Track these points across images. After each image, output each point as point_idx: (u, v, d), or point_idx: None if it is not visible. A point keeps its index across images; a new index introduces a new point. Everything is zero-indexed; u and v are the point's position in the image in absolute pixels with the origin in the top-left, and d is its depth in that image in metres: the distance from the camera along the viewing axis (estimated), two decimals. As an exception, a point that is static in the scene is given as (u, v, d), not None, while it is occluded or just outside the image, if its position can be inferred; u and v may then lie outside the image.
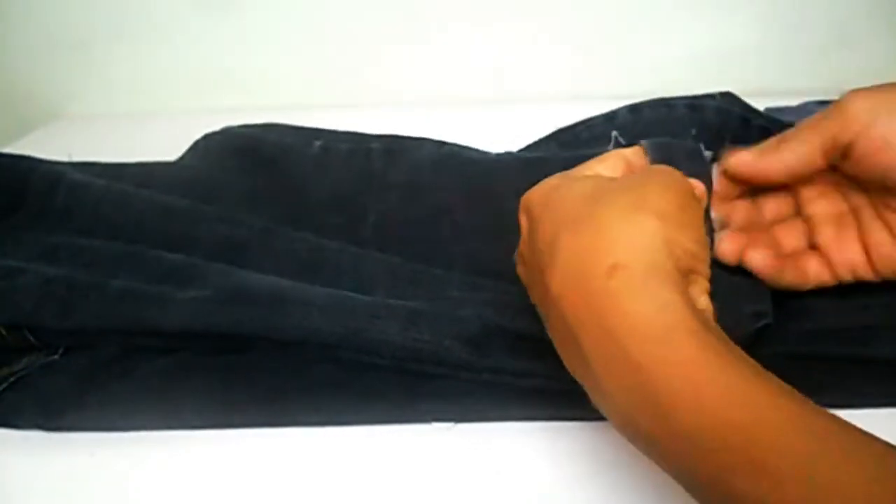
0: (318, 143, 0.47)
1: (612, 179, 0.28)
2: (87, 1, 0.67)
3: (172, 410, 0.33)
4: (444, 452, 0.31)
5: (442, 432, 0.32)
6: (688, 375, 0.20)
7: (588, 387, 0.24)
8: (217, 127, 0.51)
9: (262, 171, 0.46)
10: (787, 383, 0.32)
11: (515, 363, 0.32)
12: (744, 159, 0.32)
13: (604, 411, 0.24)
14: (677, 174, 0.27)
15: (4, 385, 0.34)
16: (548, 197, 0.27)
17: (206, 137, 0.51)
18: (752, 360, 0.21)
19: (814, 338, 0.33)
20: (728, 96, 0.44)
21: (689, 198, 0.26)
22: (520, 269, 0.30)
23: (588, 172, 0.30)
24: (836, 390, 0.31)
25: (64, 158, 0.49)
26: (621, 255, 0.22)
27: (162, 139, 0.52)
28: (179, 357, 0.35)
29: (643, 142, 0.32)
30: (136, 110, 0.71)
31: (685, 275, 0.24)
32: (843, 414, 0.30)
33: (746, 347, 0.22)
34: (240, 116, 0.52)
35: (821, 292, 0.33)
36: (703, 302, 0.25)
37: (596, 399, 0.24)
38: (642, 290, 0.22)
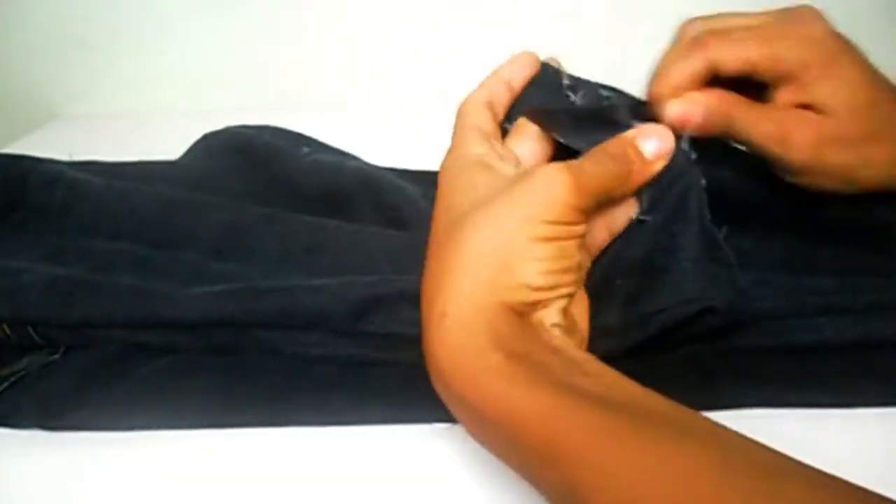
0: (305, 149, 0.48)
1: (493, 183, 0.27)
2: (86, 1, 0.67)
3: (172, 410, 0.33)
4: (444, 453, 0.31)
5: (442, 432, 0.32)
6: (499, 409, 0.23)
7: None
8: (217, 127, 0.51)
9: (259, 170, 0.46)
10: (790, 381, 0.32)
11: None
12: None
13: None
14: (553, 187, 0.25)
15: (5, 385, 0.34)
16: (449, 184, 0.28)
17: (206, 137, 0.51)
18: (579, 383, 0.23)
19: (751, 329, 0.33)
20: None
21: (549, 222, 0.25)
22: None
23: (493, 160, 0.28)
24: (837, 390, 0.32)
25: (64, 158, 0.49)
26: (448, 304, 0.24)
27: (162, 139, 0.52)
28: (180, 357, 0.35)
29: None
30: (136, 110, 0.71)
31: (522, 311, 0.25)
32: (844, 414, 0.31)
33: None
34: (240, 116, 0.52)
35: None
36: (562, 321, 0.26)
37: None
38: (461, 338, 0.24)
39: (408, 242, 0.38)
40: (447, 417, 0.32)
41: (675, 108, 0.31)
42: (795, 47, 0.30)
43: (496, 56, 0.70)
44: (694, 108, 0.30)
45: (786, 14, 0.31)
